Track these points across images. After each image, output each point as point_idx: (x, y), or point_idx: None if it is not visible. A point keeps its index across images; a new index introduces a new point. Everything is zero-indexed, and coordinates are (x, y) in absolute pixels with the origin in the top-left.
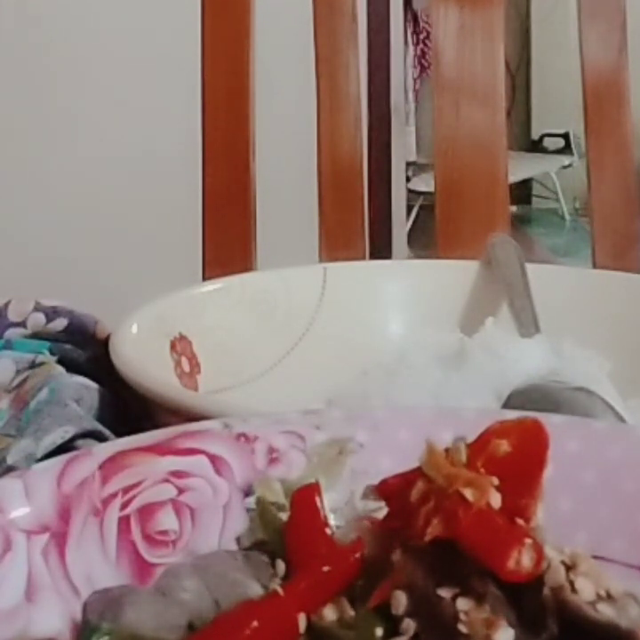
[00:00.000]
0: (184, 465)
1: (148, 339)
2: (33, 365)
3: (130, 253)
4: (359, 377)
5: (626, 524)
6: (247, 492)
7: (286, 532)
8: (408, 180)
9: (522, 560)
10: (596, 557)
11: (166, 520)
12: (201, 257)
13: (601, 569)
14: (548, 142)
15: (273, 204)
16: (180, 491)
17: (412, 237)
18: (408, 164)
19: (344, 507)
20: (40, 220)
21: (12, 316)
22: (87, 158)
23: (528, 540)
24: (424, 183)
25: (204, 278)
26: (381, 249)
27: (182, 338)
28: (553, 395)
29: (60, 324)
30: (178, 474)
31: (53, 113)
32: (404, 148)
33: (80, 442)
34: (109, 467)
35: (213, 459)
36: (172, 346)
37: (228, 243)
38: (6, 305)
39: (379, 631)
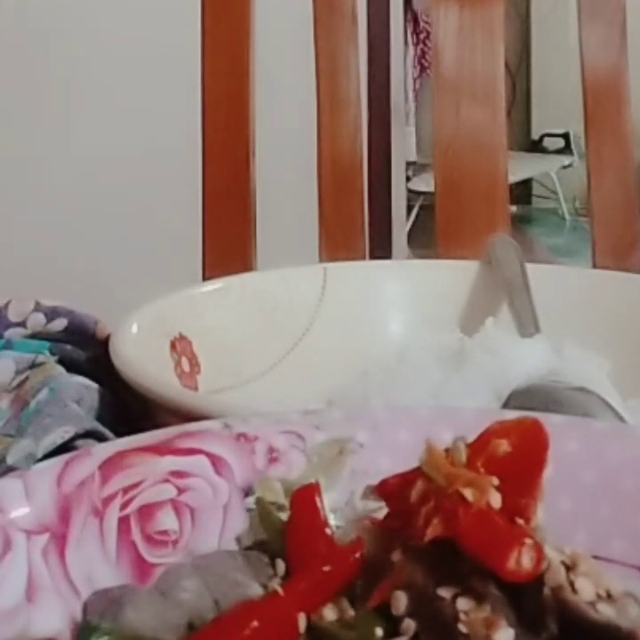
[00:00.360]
0: (184, 465)
1: (148, 339)
2: (33, 365)
3: (130, 253)
4: (359, 377)
5: (626, 524)
6: (247, 492)
7: (286, 532)
8: (408, 179)
9: (522, 560)
10: (595, 557)
11: (166, 520)
12: (201, 257)
13: (601, 569)
14: (547, 142)
15: (273, 204)
16: (180, 491)
17: (412, 237)
18: (408, 164)
19: (344, 507)
20: (40, 221)
21: (12, 316)
22: (87, 158)
23: (528, 540)
24: (424, 183)
25: (204, 278)
26: (381, 249)
27: (182, 338)
28: (553, 395)
29: (59, 324)
30: (178, 474)
31: (53, 113)
32: (404, 148)
33: (80, 442)
34: (109, 467)
35: (213, 459)
36: (172, 346)
37: (227, 243)
38: (6, 305)
39: (379, 631)
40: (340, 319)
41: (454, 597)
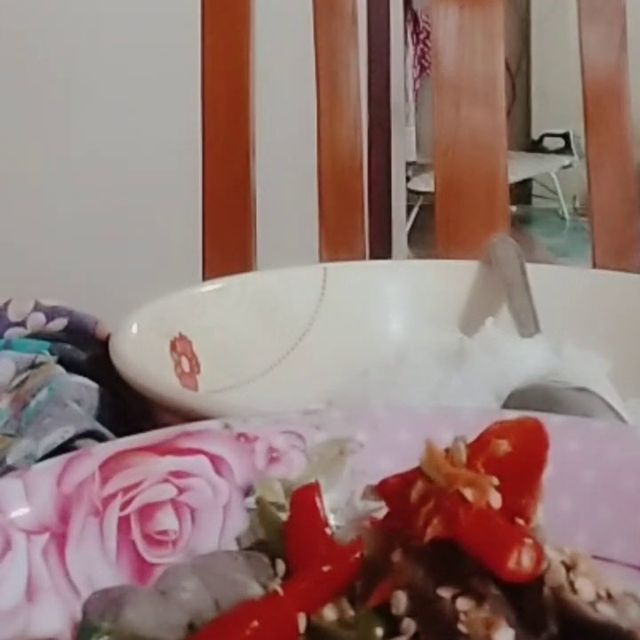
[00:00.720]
0: (184, 465)
1: (148, 339)
2: (33, 365)
3: (130, 253)
4: (359, 377)
5: (626, 523)
6: (247, 492)
7: (286, 532)
8: (408, 180)
9: (522, 560)
10: (595, 557)
11: (166, 520)
12: (201, 257)
13: (601, 569)
14: (548, 142)
15: (273, 204)
16: (180, 491)
17: (412, 237)
18: (408, 164)
19: (344, 507)
20: (40, 221)
21: (12, 316)
22: (87, 158)
23: (528, 540)
24: (424, 183)
25: (204, 278)
26: (381, 249)
27: (182, 338)
28: (553, 395)
29: (59, 323)
30: (178, 474)
31: (53, 112)
32: (404, 148)
33: (80, 442)
34: (109, 467)
35: (213, 459)
36: (172, 346)
37: (227, 243)
38: (6, 305)
39: (379, 631)
40: (339, 319)
41: (454, 597)
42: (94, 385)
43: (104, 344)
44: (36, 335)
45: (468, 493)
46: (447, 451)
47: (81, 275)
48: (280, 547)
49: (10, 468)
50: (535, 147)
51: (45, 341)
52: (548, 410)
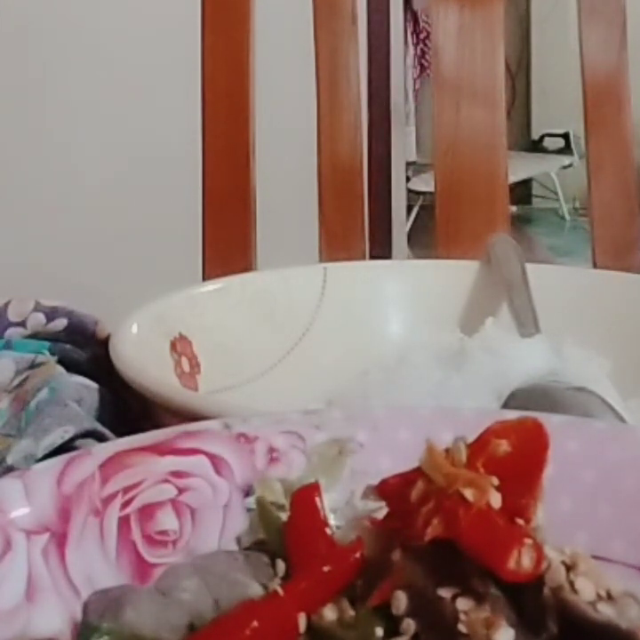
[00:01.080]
0: (184, 465)
1: (148, 339)
2: (33, 365)
3: (130, 253)
4: (359, 377)
5: (626, 523)
6: (247, 492)
7: (286, 532)
8: (408, 180)
9: (522, 560)
10: (595, 557)
11: (166, 520)
12: (201, 257)
13: (601, 569)
14: (548, 142)
15: (273, 204)
16: (180, 491)
17: (412, 237)
18: (408, 164)
19: (344, 507)
20: (40, 220)
21: (12, 316)
22: (87, 158)
23: (528, 540)
24: (424, 183)
25: (204, 278)
26: (381, 249)
27: (182, 338)
28: (553, 395)
29: (59, 324)
30: (178, 474)
31: (54, 112)
32: (403, 148)
33: (80, 442)
34: (109, 467)
35: (213, 459)
36: (172, 346)
37: (227, 243)
38: (6, 305)
39: (379, 631)
40: (339, 319)
41: (454, 597)
42: (94, 385)
43: (104, 344)
44: (36, 335)
45: (468, 493)
46: (447, 451)
47: (81, 275)
48: (280, 547)
49: (10, 468)
50: (535, 147)
51: (45, 341)
52: (548, 410)
